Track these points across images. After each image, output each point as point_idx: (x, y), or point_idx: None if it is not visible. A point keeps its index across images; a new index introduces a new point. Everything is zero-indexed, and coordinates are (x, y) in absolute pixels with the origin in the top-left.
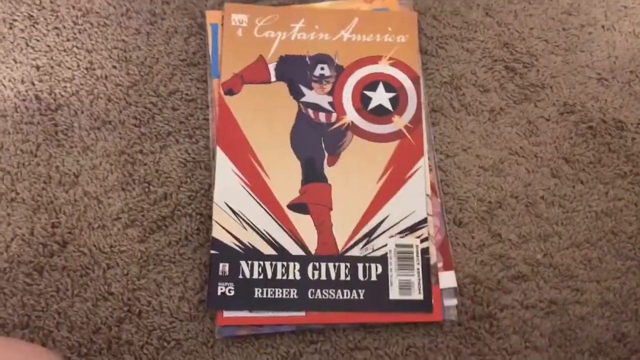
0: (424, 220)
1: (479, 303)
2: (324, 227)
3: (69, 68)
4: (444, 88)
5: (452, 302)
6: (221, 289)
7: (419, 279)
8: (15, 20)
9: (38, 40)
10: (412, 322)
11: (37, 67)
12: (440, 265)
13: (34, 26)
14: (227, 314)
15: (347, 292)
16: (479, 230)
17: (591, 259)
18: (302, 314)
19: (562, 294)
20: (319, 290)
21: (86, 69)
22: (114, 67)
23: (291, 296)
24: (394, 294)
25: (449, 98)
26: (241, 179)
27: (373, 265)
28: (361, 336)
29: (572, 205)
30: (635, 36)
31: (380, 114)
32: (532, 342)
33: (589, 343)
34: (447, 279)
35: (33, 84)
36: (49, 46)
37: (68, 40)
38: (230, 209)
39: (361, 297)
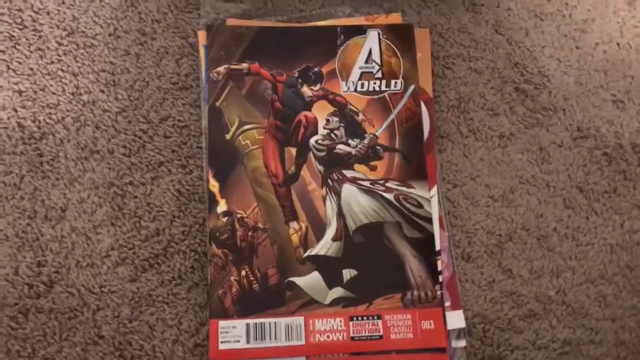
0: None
1: (489, 344)
2: None
3: (54, 93)
4: (451, 112)
5: (460, 343)
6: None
7: None
8: None
9: (20, 63)
10: None
11: (20, 92)
12: (447, 304)
13: (15, 47)
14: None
15: None
16: (488, 266)
17: (606, 295)
18: (302, 359)
19: (576, 333)
20: None
21: (72, 94)
22: (102, 91)
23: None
24: None
25: (457, 123)
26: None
27: None
28: None
29: (586, 238)
30: None
31: None
32: None
33: None
34: (455, 319)
35: (15, 110)
36: (31, 69)
37: (52, 62)
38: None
39: None
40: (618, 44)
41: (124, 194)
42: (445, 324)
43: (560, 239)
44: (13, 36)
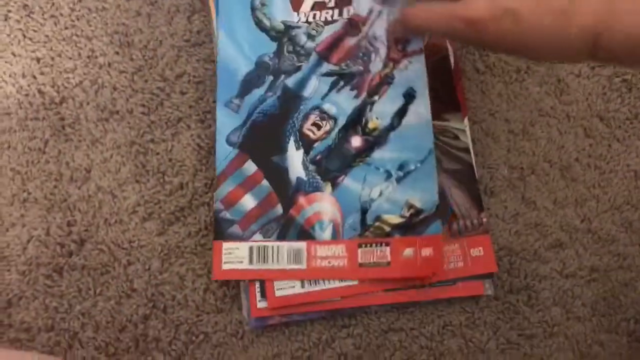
0: None
1: (516, 275)
2: None
3: (70, 58)
4: (466, 49)
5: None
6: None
7: None
8: (9, 11)
9: (35, 31)
10: (447, 298)
11: (37, 60)
12: None
13: (29, 16)
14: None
15: None
16: (512, 199)
17: (632, 221)
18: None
19: (603, 260)
20: None
21: (88, 57)
22: (117, 53)
23: None
24: None
25: (472, 60)
26: None
27: None
28: (394, 317)
29: (609, 165)
30: None
31: None
32: (574, 312)
33: (634, 310)
34: None
35: (35, 77)
36: (47, 36)
37: (66, 28)
38: None
39: None
40: None
41: (146, 152)
42: (493, 249)
43: (583, 169)
44: (27, 5)
